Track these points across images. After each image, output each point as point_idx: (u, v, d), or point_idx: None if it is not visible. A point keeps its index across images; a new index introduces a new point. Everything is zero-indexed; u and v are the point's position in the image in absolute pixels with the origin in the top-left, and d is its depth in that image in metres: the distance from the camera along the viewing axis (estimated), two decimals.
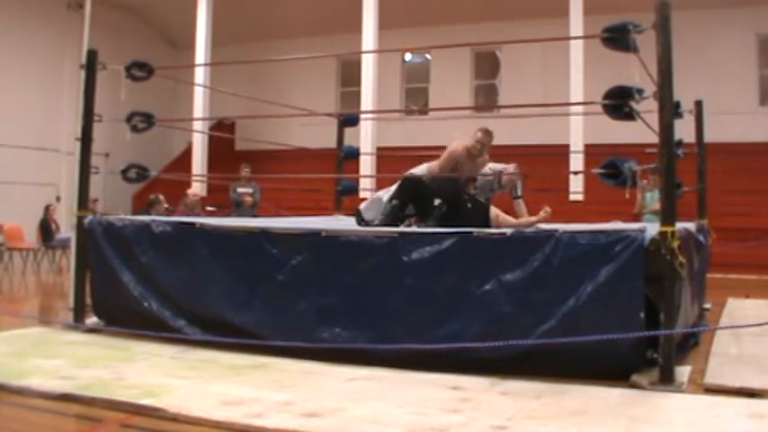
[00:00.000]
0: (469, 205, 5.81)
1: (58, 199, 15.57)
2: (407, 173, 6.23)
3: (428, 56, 19.17)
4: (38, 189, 15.52)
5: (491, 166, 6.52)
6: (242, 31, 19.00)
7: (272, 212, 12.04)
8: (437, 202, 5.65)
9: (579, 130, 14.07)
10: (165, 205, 11.06)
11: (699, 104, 7.30)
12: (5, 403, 3.76)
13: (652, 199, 10.19)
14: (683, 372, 4.24)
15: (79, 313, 5.79)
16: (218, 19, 17.79)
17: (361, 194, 11.83)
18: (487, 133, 6.06)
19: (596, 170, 4.69)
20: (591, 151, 12.93)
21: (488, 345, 4.20)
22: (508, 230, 4.63)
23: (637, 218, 10.36)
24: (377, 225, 5.71)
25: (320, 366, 4.44)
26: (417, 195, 5.84)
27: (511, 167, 6.48)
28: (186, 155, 18.64)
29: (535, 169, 13.39)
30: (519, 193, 6.49)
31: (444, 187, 5.77)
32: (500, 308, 4.40)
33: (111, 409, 3.59)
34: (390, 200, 5.87)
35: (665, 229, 4.16)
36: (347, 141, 8.62)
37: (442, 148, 7.25)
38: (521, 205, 6.45)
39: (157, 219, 5.89)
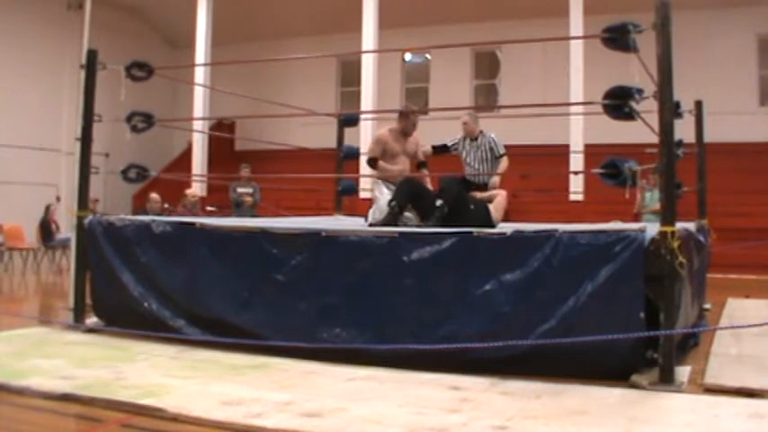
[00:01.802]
0: (472, 206, 5.82)
1: (58, 199, 15.57)
2: None
3: (428, 56, 19.17)
4: (38, 189, 15.52)
5: (492, 137, 6.91)
6: (242, 31, 19.00)
7: (272, 212, 12.04)
8: (439, 202, 5.64)
9: (579, 130, 14.06)
10: (159, 204, 11.09)
11: (699, 104, 7.29)
12: (5, 403, 3.75)
13: (651, 199, 10.20)
14: (683, 372, 4.24)
15: (79, 313, 5.79)
16: (218, 19, 17.78)
17: (361, 194, 11.86)
18: (412, 114, 6.71)
19: (596, 170, 4.69)
20: (591, 151, 12.93)
21: (488, 345, 4.20)
22: (508, 230, 4.63)
23: (636, 217, 10.36)
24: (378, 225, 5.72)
25: (320, 366, 4.44)
26: (416, 196, 5.84)
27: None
28: (186, 155, 18.64)
29: (535, 169, 13.44)
30: (501, 152, 6.88)
31: (448, 187, 5.78)
32: (500, 308, 4.40)
33: (111, 409, 3.59)
34: (390, 201, 5.87)
35: (665, 229, 4.16)
36: (347, 141, 8.62)
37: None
38: (504, 163, 6.88)
39: (157, 219, 5.89)
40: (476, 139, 6.87)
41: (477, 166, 6.84)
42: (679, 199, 4.74)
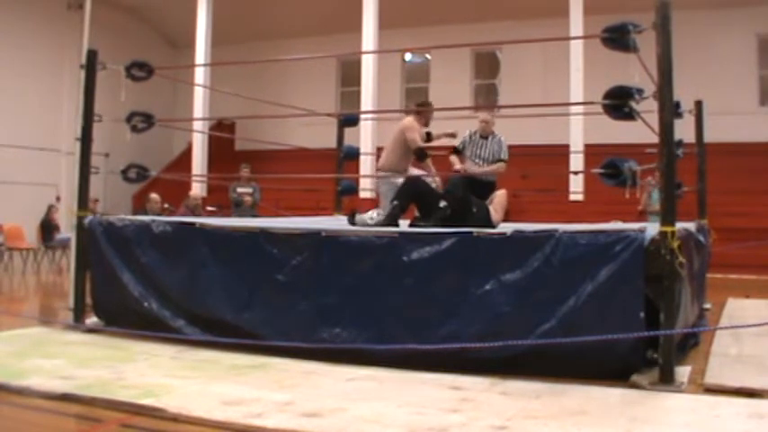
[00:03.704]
0: (474, 209, 5.80)
1: (58, 199, 15.59)
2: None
3: (428, 56, 19.17)
4: (38, 189, 15.53)
5: (502, 141, 7.05)
6: (242, 31, 19.00)
7: (272, 212, 12.05)
8: (443, 204, 5.63)
9: (579, 130, 14.06)
10: (158, 204, 11.10)
11: (699, 104, 7.29)
12: (5, 403, 3.76)
13: (658, 198, 10.17)
14: (683, 372, 4.24)
15: (79, 313, 5.79)
16: (218, 19, 17.78)
17: (361, 194, 11.87)
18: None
19: (596, 170, 4.69)
20: (591, 151, 12.93)
21: (488, 345, 4.20)
22: (508, 230, 4.63)
23: (641, 215, 10.34)
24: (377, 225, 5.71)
25: (320, 366, 4.44)
26: (419, 196, 5.83)
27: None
28: (186, 155, 18.64)
29: (535, 169, 13.44)
30: (504, 157, 7.05)
31: (455, 190, 5.79)
32: (500, 308, 4.40)
33: (111, 409, 3.59)
34: (392, 200, 5.87)
35: (665, 229, 4.16)
36: (347, 141, 8.62)
37: (442, 147, 7.29)
38: (499, 166, 7.06)
39: (157, 219, 5.89)
40: (486, 137, 6.93)
41: (482, 164, 6.90)
42: (679, 199, 4.74)
